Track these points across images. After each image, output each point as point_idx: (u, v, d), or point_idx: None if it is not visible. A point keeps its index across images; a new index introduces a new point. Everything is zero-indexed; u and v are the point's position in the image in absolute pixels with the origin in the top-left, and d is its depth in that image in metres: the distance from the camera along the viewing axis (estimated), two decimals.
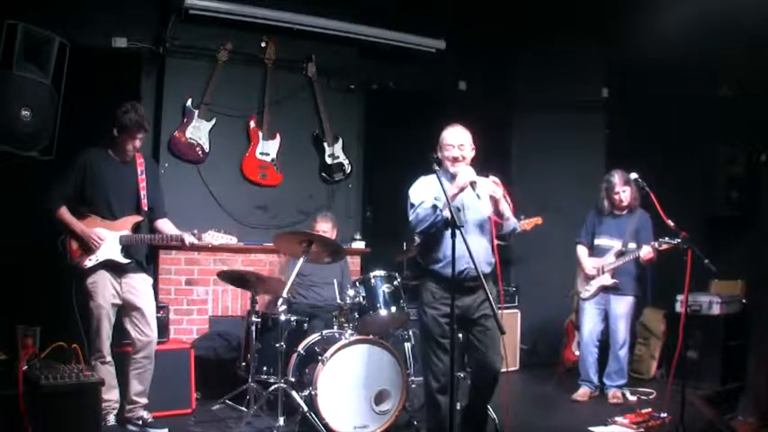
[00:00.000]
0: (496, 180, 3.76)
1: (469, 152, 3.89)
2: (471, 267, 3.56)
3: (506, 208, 3.83)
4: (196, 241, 4.28)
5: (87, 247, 4.08)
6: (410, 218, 3.83)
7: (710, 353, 5.75)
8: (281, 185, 6.16)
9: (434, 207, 3.68)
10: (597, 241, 5.46)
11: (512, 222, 3.91)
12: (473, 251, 3.50)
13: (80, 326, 4.09)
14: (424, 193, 3.82)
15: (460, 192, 3.72)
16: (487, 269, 3.81)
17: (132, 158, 4.29)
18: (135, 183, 4.27)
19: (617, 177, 5.32)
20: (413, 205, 3.82)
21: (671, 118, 6.40)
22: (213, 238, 4.32)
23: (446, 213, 3.62)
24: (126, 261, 4.18)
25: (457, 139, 3.88)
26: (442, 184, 3.53)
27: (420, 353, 4.03)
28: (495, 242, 3.85)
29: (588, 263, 5.45)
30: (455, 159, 3.83)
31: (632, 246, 5.25)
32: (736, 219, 5.99)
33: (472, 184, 3.69)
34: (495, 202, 3.76)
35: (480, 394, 3.91)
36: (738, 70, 5.96)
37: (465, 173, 3.71)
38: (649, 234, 5.24)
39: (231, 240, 4.42)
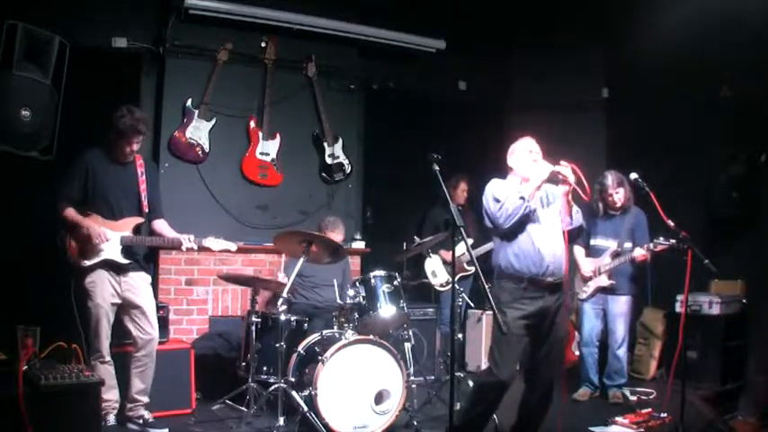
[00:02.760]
0: (571, 165, 3.69)
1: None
2: (553, 263, 3.69)
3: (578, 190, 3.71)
4: (195, 247, 4.28)
5: (89, 246, 4.08)
6: (497, 214, 3.74)
7: (710, 353, 5.75)
8: (281, 185, 6.17)
9: (522, 198, 3.66)
10: (593, 242, 5.45)
11: (579, 216, 3.83)
12: (553, 249, 3.71)
13: (79, 325, 4.09)
14: (506, 189, 3.80)
15: (543, 183, 3.72)
16: (563, 266, 3.76)
17: (132, 160, 4.30)
18: (136, 184, 4.28)
19: (610, 179, 5.32)
20: (498, 201, 3.76)
21: (671, 118, 6.39)
22: (213, 243, 4.34)
23: (533, 205, 3.71)
24: (126, 261, 4.19)
25: (535, 147, 3.88)
26: (442, 184, 3.50)
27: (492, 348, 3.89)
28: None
29: (585, 264, 5.44)
30: (535, 161, 3.81)
31: (628, 246, 5.24)
32: (736, 219, 5.98)
33: (554, 174, 3.66)
34: (566, 192, 3.72)
35: (532, 410, 3.87)
36: (739, 70, 5.95)
37: (542, 167, 3.71)
38: (645, 233, 5.24)
39: (231, 247, 4.43)
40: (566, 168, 3.66)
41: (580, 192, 3.66)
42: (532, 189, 3.70)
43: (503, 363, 3.72)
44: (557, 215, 3.84)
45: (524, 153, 3.87)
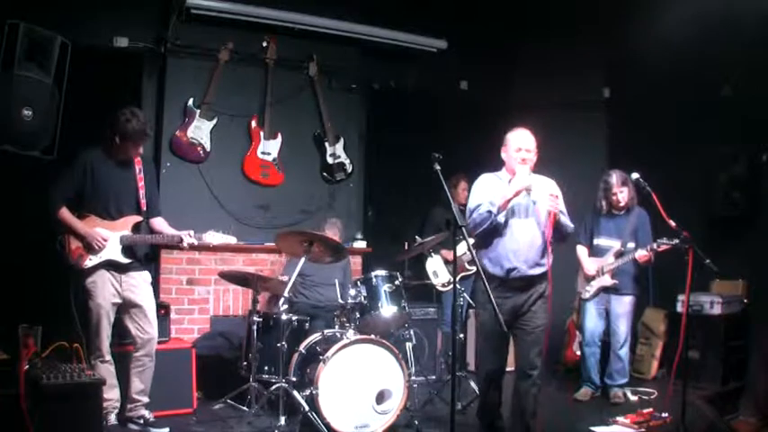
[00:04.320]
0: (554, 193, 3.87)
1: (533, 157, 3.97)
2: (518, 267, 3.87)
3: (562, 216, 3.93)
4: (195, 242, 4.28)
5: (89, 247, 4.08)
6: (468, 221, 3.93)
7: (711, 353, 5.75)
8: (282, 185, 6.17)
9: (489, 212, 3.81)
10: (596, 241, 5.45)
11: (566, 229, 3.99)
12: (521, 251, 3.87)
13: (77, 325, 4.08)
14: (482, 196, 3.95)
15: (516, 196, 3.82)
16: (536, 270, 3.93)
17: (130, 159, 4.30)
18: (134, 183, 4.28)
19: (615, 178, 5.32)
20: (470, 209, 3.95)
21: (672, 118, 6.39)
22: (213, 237, 4.33)
23: (500, 219, 3.88)
24: (127, 261, 4.19)
25: (525, 143, 3.96)
26: (443, 184, 3.54)
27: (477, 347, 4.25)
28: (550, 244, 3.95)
29: (588, 263, 5.45)
30: (522, 161, 3.92)
31: (631, 245, 5.25)
32: (737, 219, 5.98)
33: (527, 190, 3.81)
34: (553, 213, 3.86)
35: (521, 397, 3.99)
36: (739, 70, 5.95)
37: (521, 178, 3.82)
38: (647, 233, 5.25)
39: (231, 240, 4.42)
40: (545, 198, 3.80)
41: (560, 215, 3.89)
42: (504, 201, 3.82)
43: (484, 355, 4.06)
44: (538, 216, 3.93)
45: (513, 150, 3.97)
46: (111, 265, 4.15)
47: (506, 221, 3.90)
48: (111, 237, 4.13)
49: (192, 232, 4.28)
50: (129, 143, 4.15)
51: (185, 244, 4.26)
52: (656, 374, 6.29)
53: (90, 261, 4.09)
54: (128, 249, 4.19)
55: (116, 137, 4.13)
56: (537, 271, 3.92)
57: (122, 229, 4.19)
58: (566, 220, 3.97)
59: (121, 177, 4.24)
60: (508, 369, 4.40)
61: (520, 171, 3.86)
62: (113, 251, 4.14)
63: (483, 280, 3.46)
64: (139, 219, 4.27)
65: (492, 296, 3.69)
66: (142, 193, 4.28)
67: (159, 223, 4.41)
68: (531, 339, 3.94)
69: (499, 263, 3.90)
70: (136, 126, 4.11)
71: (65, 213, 4.09)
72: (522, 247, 3.89)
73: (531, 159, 3.94)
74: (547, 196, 3.81)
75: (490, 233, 3.90)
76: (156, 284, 5.09)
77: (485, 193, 3.96)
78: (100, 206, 4.16)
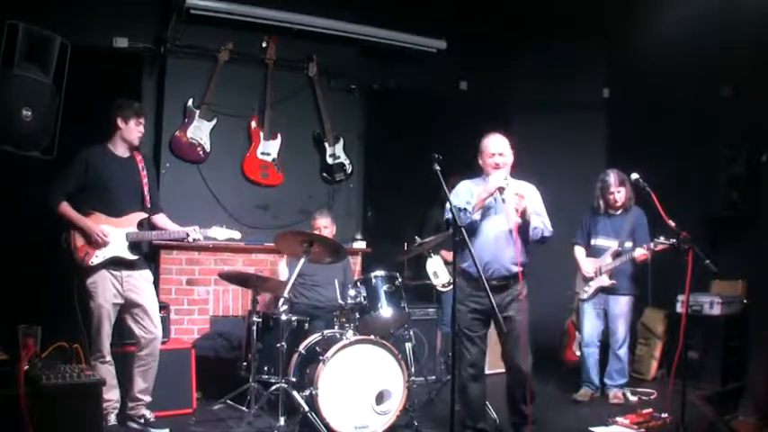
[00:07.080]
0: (520, 193, 3.98)
1: (509, 159, 4.17)
2: (497, 267, 4.02)
3: (532, 218, 4.06)
4: (200, 237, 4.29)
5: (93, 243, 4.08)
6: (447, 217, 4.05)
7: (711, 353, 5.75)
8: (282, 185, 6.17)
9: (463, 210, 3.96)
10: (594, 241, 5.45)
11: (538, 231, 4.10)
12: (498, 252, 4.02)
13: (81, 325, 4.09)
14: (460, 198, 4.13)
15: (490, 196, 3.98)
16: (514, 269, 4.05)
17: (132, 155, 4.31)
18: (138, 178, 4.29)
19: (612, 177, 5.32)
20: (449, 209, 4.05)
21: (671, 118, 6.39)
22: (218, 233, 4.36)
23: (476, 216, 3.99)
24: (134, 257, 4.19)
25: (498, 147, 4.16)
26: (443, 184, 3.59)
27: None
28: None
29: (586, 264, 5.44)
30: (496, 166, 4.11)
31: (628, 245, 5.25)
32: (736, 219, 5.97)
33: (500, 189, 3.94)
34: (519, 210, 4.00)
35: (511, 394, 4.17)
36: (739, 70, 5.95)
37: (495, 179, 3.97)
38: (645, 233, 5.25)
39: (235, 235, 4.44)
40: (514, 196, 3.95)
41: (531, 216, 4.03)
42: (479, 201, 3.99)
43: (464, 348, 4.10)
44: (513, 218, 4.04)
45: (488, 155, 4.16)
46: (116, 263, 4.15)
47: (480, 222, 4.07)
48: (115, 233, 4.13)
49: (197, 228, 4.30)
50: (133, 120, 4.23)
51: (191, 239, 4.28)
52: (655, 375, 6.28)
53: (96, 258, 4.09)
54: (134, 246, 4.20)
55: (120, 120, 4.21)
56: (511, 271, 4.04)
57: (127, 225, 4.19)
58: (538, 220, 4.10)
59: (125, 173, 4.25)
60: (498, 371, 4.44)
61: (494, 174, 4.03)
62: (120, 248, 4.14)
63: (483, 281, 3.51)
64: (144, 215, 4.29)
65: (470, 294, 4.03)
66: (146, 188, 4.30)
67: (161, 219, 4.43)
68: (512, 337, 4.04)
69: (477, 260, 3.94)
70: (132, 103, 4.27)
71: (65, 207, 4.09)
72: (494, 248, 4.05)
73: (505, 162, 4.13)
74: (514, 196, 3.96)
75: (469, 233, 3.99)
76: (155, 285, 5.08)
77: (462, 194, 4.16)
78: (104, 203, 4.16)
